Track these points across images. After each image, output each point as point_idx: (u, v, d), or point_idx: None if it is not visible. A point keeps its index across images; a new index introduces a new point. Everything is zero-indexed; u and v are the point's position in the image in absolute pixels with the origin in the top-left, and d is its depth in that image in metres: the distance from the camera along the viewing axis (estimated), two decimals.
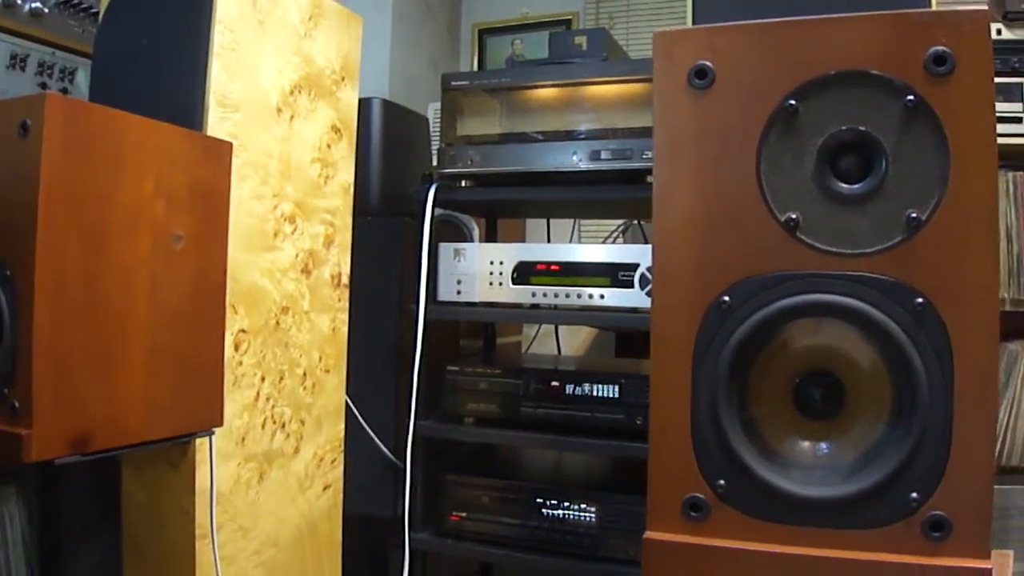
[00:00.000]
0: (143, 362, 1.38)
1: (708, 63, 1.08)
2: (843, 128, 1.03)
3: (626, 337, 3.16)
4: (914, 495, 0.99)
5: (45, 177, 1.21)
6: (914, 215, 1.00)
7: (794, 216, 1.05)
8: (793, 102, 1.04)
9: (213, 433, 1.54)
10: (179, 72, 1.58)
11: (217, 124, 1.58)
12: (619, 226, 3.01)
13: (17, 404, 1.21)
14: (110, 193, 1.32)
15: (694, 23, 1.40)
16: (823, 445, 1.06)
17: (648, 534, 1.08)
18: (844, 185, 1.04)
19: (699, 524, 1.06)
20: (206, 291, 1.51)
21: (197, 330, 1.49)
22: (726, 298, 1.07)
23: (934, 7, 1.31)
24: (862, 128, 1.02)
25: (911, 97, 0.99)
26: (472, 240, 2.51)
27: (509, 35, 4.31)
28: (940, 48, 0.98)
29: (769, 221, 1.06)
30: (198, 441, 1.54)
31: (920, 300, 0.99)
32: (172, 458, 1.57)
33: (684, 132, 1.10)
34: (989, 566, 0.94)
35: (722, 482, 1.06)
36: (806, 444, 1.07)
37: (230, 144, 1.56)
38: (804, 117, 1.04)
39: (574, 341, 3.34)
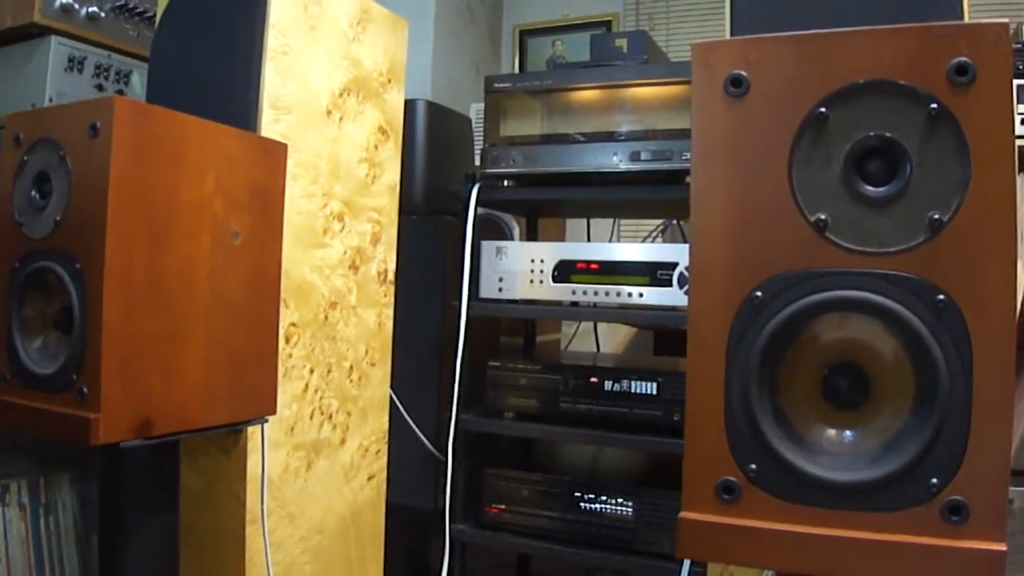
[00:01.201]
0: (202, 352, 1.43)
1: (743, 72, 1.10)
2: (870, 134, 1.05)
3: (664, 335, 3.16)
4: (934, 480, 1.01)
5: (114, 176, 1.26)
6: (936, 216, 1.02)
7: (823, 217, 1.07)
8: (823, 109, 1.06)
9: (267, 421, 1.59)
10: (233, 75, 1.63)
11: (270, 126, 1.62)
12: (658, 226, 3.01)
13: (86, 390, 1.27)
14: (173, 191, 1.36)
15: (732, 32, 1.44)
16: (849, 433, 1.09)
17: (683, 514, 1.11)
18: (870, 188, 1.06)
19: (731, 506, 1.09)
20: (262, 286, 1.55)
21: (253, 323, 1.53)
22: (759, 293, 1.10)
23: (966, 17, 1.34)
24: (888, 134, 1.04)
25: (934, 105, 1.01)
26: (513, 238, 2.54)
27: (549, 36, 4.32)
28: (962, 59, 1.00)
29: (800, 221, 1.08)
30: (249, 430, 1.59)
31: (941, 297, 1.02)
32: (225, 446, 1.63)
33: (720, 137, 1.13)
34: (1004, 548, 0.98)
35: (753, 466, 1.09)
36: (833, 432, 1.09)
37: (285, 145, 1.60)
38: (834, 124, 1.07)
39: (613, 339, 3.35)
